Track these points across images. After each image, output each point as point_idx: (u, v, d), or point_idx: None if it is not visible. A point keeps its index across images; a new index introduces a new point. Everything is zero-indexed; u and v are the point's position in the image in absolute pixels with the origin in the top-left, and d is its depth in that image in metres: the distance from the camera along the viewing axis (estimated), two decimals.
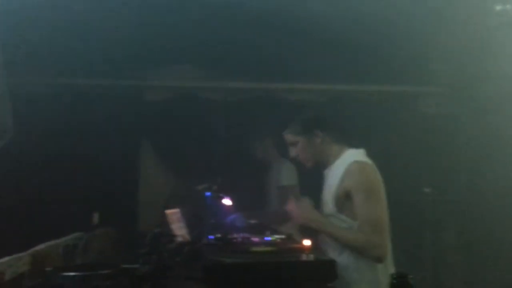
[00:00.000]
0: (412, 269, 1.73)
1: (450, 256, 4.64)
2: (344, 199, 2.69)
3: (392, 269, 2.66)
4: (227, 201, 3.35)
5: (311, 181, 3.30)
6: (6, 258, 2.11)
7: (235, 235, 2.79)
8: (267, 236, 2.82)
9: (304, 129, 2.91)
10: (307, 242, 2.41)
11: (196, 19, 3.93)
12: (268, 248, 2.55)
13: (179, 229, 2.91)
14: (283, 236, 2.82)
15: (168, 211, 2.88)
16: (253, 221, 3.43)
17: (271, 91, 4.74)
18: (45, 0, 3.47)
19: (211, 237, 2.71)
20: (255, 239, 2.76)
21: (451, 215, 4.70)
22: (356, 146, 2.91)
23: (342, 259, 2.62)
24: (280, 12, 3.81)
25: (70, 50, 4.00)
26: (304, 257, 2.30)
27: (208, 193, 3.38)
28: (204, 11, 3.83)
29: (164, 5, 3.76)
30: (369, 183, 2.70)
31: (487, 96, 4.42)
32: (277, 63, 4.48)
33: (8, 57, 3.00)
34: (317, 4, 3.75)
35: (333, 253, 2.67)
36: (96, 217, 3.15)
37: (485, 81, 4.37)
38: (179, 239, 2.77)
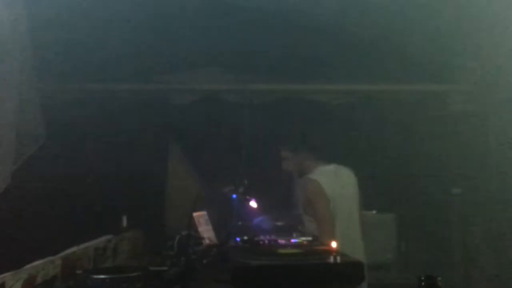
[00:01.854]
0: (442, 271, 1.72)
1: (479, 257, 4.56)
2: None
3: None
4: (253, 203, 3.37)
5: None
6: (38, 262, 2.15)
7: (261, 237, 2.80)
8: (294, 238, 2.83)
9: (294, 147, 3.51)
10: (334, 244, 2.41)
11: (222, 23, 3.95)
12: (295, 250, 2.55)
13: (207, 232, 2.93)
14: (310, 238, 2.82)
15: (195, 214, 2.91)
16: (279, 223, 3.43)
17: (295, 92, 4.73)
18: (75, 7, 3.53)
19: (238, 239, 2.72)
20: (282, 241, 2.77)
21: (480, 216, 4.62)
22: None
23: None
24: (306, 14, 3.81)
25: (99, 56, 4.05)
26: (331, 259, 2.30)
27: (234, 196, 3.39)
28: (229, 14, 3.84)
29: (190, 9, 3.78)
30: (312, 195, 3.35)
31: None
32: (303, 65, 4.47)
33: (39, 63, 3.06)
34: (343, 5, 3.73)
35: None
36: (125, 220, 3.18)
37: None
38: (207, 241, 2.80)
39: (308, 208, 3.35)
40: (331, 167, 3.46)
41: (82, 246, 2.56)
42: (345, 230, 3.28)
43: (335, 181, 3.38)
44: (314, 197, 3.32)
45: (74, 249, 2.47)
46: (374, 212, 4.63)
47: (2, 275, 1.89)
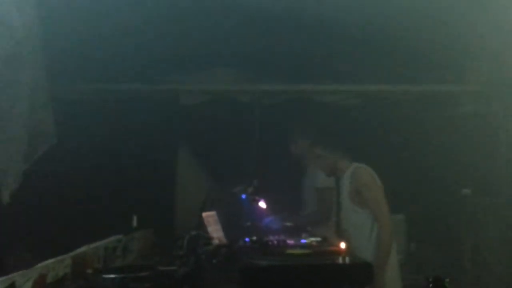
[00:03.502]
0: (451, 272, 1.72)
1: (489, 259, 4.53)
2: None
3: None
4: (262, 204, 3.37)
5: None
6: (49, 261, 2.16)
7: (271, 238, 2.81)
8: (303, 238, 2.83)
9: (328, 146, 3.44)
10: (343, 245, 2.41)
11: (231, 24, 3.95)
12: (304, 251, 2.56)
13: (216, 232, 2.94)
14: (319, 239, 2.82)
15: (204, 214, 2.92)
16: (288, 224, 3.44)
17: (306, 93, 4.73)
18: (86, 9, 3.55)
19: (247, 239, 2.73)
20: (291, 241, 2.77)
21: (490, 217, 4.59)
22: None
23: None
24: (315, 15, 3.81)
25: (108, 57, 4.08)
26: (340, 260, 2.30)
27: (244, 196, 3.40)
28: (238, 16, 3.85)
29: (199, 11, 3.80)
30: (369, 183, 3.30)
31: None
32: (312, 65, 4.47)
33: (51, 64, 3.09)
34: (354, 6, 3.72)
35: None
36: (135, 220, 3.20)
37: None
38: (216, 241, 2.80)
39: (358, 197, 3.29)
40: (365, 166, 3.41)
41: (92, 245, 2.58)
42: None
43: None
44: (368, 184, 3.27)
45: (84, 248, 2.49)
46: None
47: (12, 274, 1.91)
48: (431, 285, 1.58)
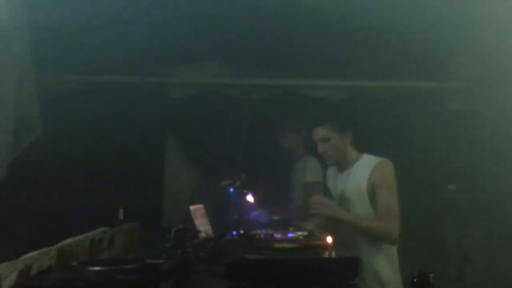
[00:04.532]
0: (436, 268, 1.73)
1: (474, 254, 4.58)
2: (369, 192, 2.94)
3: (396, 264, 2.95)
4: (250, 198, 3.37)
5: None
6: (34, 253, 2.15)
7: (258, 232, 2.81)
8: (290, 232, 2.83)
9: (340, 127, 3.07)
10: (329, 239, 2.42)
11: (220, 17, 3.94)
12: (291, 245, 2.57)
13: (203, 225, 2.93)
14: (306, 233, 2.82)
15: (192, 207, 2.91)
16: (276, 218, 3.44)
17: (295, 88, 4.74)
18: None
19: (234, 233, 2.73)
20: (278, 235, 2.78)
21: (475, 213, 4.64)
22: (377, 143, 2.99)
23: None
24: (305, 9, 3.81)
25: (97, 48, 4.05)
26: (326, 254, 2.32)
27: (231, 190, 3.40)
28: (228, 8, 3.84)
29: (189, 4, 3.78)
30: (392, 178, 2.96)
31: None
32: (301, 60, 4.47)
33: (37, 55, 3.05)
34: (341, 2, 3.73)
35: None
36: (121, 213, 3.19)
37: (510, 75, 4.29)
38: (203, 235, 2.79)
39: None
40: (388, 160, 3.05)
41: (78, 237, 2.56)
42: None
43: None
44: (387, 179, 2.93)
45: (70, 240, 2.47)
46: None
47: None
48: (415, 280, 1.59)
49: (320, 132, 3.08)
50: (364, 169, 2.99)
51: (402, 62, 4.33)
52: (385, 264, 2.92)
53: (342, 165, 3.12)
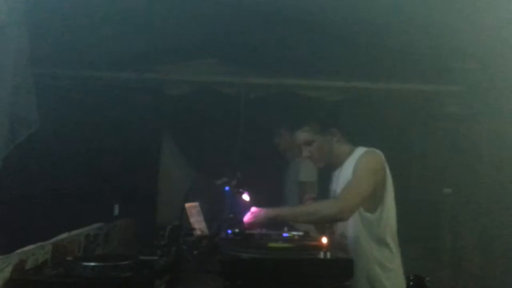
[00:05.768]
0: (431, 271, 1.73)
1: (469, 258, 4.60)
2: None
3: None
4: (246, 196, 3.37)
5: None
6: (29, 247, 2.15)
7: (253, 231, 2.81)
8: (285, 232, 2.84)
9: (322, 128, 2.97)
10: (324, 240, 2.42)
11: (218, 14, 3.93)
12: (285, 245, 2.57)
13: (198, 223, 2.94)
14: (300, 233, 2.83)
15: (187, 205, 2.92)
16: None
17: (292, 87, 4.74)
18: None
19: (229, 231, 2.73)
20: (273, 235, 2.78)
21: (471, 217, 4.65)
22: (372, 145, 2.96)
23: None
24: (302, 8, 3.80)
25: (94, 43, 4.03)
26: (321, 254, 2.31)
27: (227, 188, 3.40)
28: (225, 8, 3.83)
29: (186, 1, 3.77)
30: (370, 165, 2.83)
31: (509, 95, 4.36)
32: (298, 60, 4.47)
33: (34, 50, 3.04)
34: (339, 2, 3.73)
35: None
36: (116, 209, 3.19)
37: (507, 80, 4.31)
38: (198, 232, 2.80)
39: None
40: (376, 151, 2.96)
41: (73, 233, 2.57)
42: None
43: None
44: (364, 166, 2.81)
45: (65, 235, 2.48)
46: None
47: None
48: (411, 283, 1.60)
49: (301, 136, 3.00)
50: (351, 162, 2.90)
51: (401, 65, 4.34)
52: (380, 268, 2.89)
53: (336, 164, 3.05)
